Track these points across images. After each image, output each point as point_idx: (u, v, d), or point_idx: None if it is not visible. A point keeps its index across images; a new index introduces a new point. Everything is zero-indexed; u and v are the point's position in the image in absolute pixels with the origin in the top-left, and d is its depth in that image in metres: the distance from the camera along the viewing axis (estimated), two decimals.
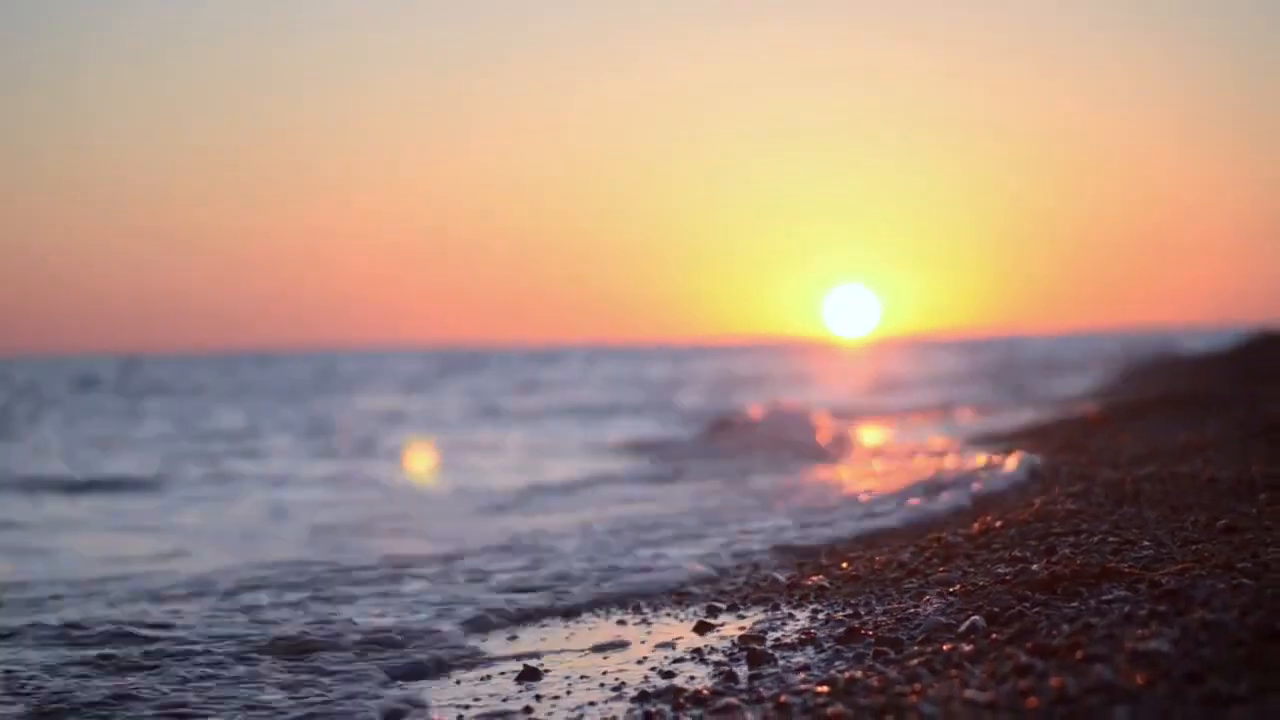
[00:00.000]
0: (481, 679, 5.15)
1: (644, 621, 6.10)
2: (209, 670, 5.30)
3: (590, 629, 6.07)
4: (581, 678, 4.98)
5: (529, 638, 5.98)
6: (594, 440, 21.99)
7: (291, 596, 6.98)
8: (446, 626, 5.99)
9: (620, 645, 5.57)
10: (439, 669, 5.38)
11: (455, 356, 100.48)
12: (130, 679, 5.16)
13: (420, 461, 19.08)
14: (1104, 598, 4.60)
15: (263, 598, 6.98)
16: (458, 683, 5.16)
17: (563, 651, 5.56)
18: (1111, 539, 5.82)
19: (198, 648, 5.65)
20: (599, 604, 6.64)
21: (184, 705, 4.81)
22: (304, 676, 5.15)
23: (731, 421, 21.42)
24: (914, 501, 9.52)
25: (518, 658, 5.44)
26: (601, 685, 4.82)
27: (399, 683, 5.12)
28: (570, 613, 6.47)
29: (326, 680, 5.10)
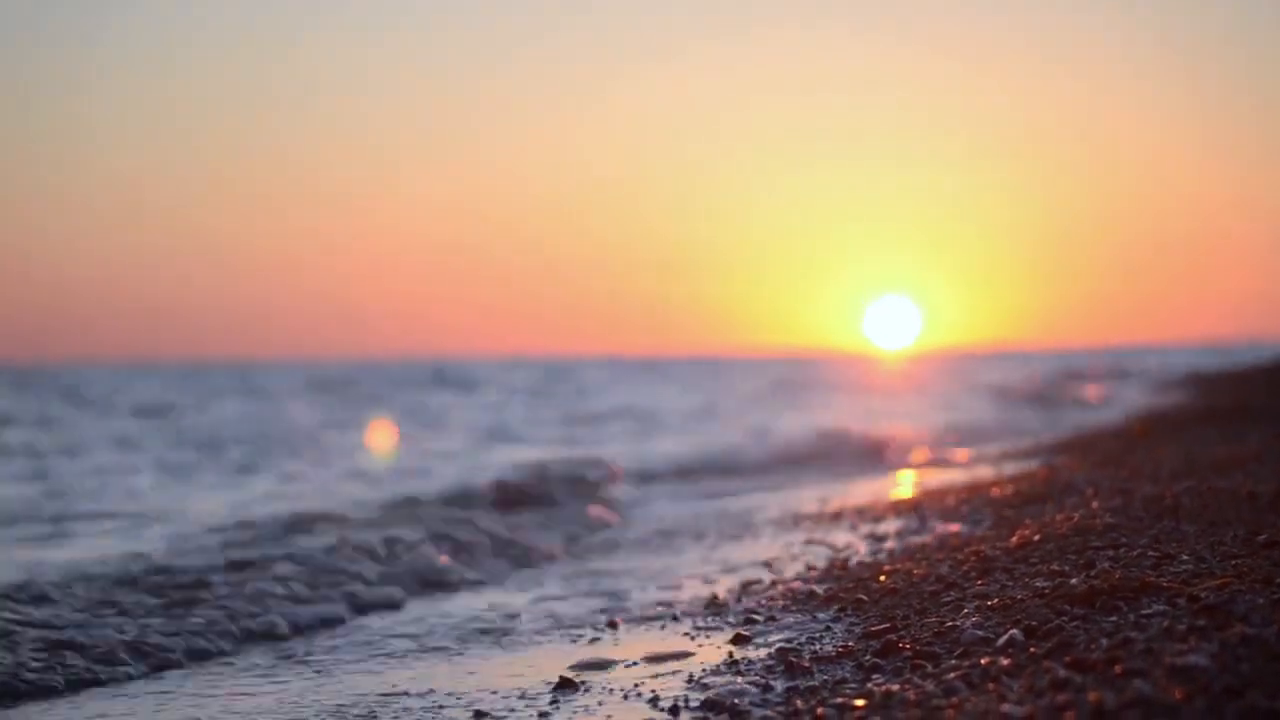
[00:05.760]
0: (517, 692, 5.17)
1: (680, 633, 6.10)
2: None
3: (627, 640, 6.08)
4: (617, 689, 4.99)
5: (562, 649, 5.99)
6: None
7: None
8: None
9: (656, 658, 5.57)
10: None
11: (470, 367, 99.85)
12: None
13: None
14: (1143, 612, 4.58)
15: None
16: (493, 692, 5.18)
17: (602, 663, 5.56)
18: (1151, 553, 5.79)
19: None
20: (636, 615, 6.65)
21: None
22: None
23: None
24: None
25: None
26: (637, 697, 4.83)
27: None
28: (609, 625, 6.49)
29: None
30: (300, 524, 10.21)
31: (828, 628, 5.75)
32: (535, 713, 4.79)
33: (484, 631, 6.62)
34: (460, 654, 6.13)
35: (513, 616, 7.03)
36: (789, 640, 5.53)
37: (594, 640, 6.16)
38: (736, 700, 4.48)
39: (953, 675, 4.12)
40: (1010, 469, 13.64)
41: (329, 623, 7.13)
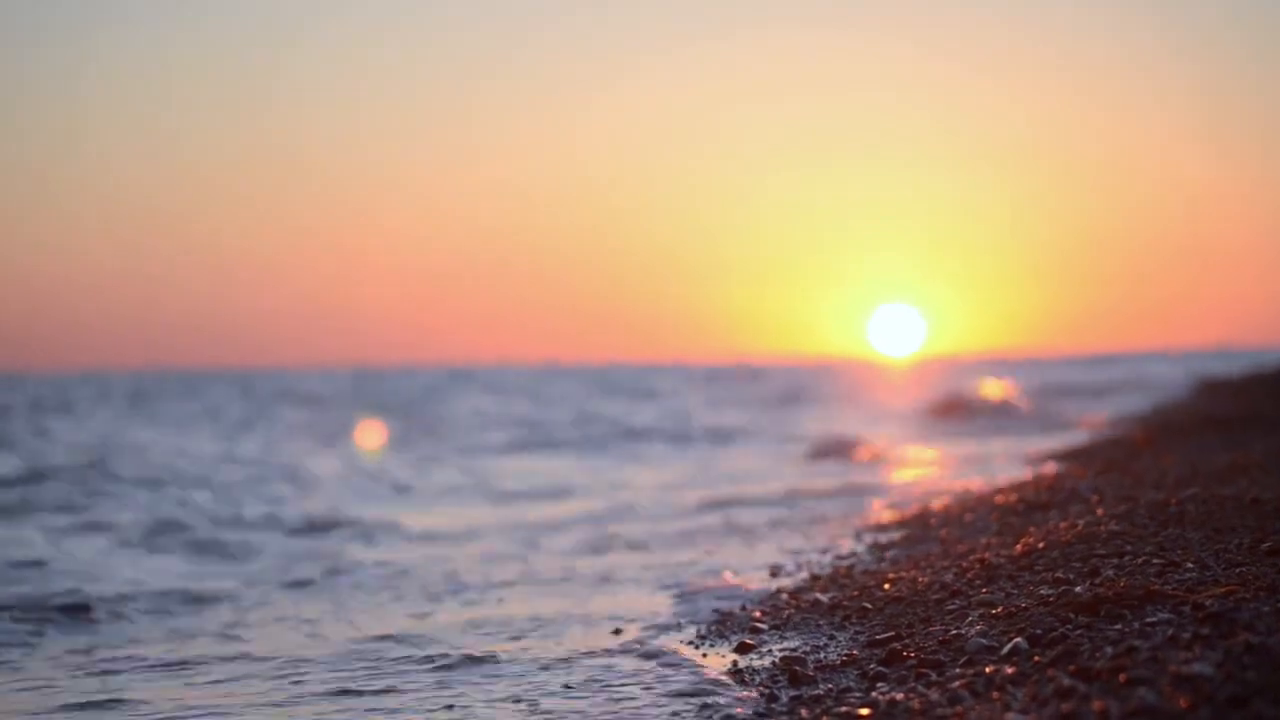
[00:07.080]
0: (513, 700, 5.17)
1: (684, 641, 6.10)
2: None
3: (631, 647, 6.08)
4: (622, 699, 4.99)
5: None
6: None
7: None
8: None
9: (662, 666, 5.57)
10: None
11: (472, 373, 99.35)
12: None
13: None
14: (1148, 620, 4.58)
15: None
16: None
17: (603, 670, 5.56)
18: (1155, 561, 5.78)
19: None
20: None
21: None
22: None
23: None
24: None
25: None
26: (642, 705, 4.83)
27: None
28: (615, 632, 6.49)
29: None
30: None
31: (832, 636, 5.74)
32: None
33: None
34: None
35: None
36: (793, 649, 5.52)
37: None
38: (741, 709, 4.48)
39: (958, 684, 4.12)
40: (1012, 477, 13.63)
41: None
